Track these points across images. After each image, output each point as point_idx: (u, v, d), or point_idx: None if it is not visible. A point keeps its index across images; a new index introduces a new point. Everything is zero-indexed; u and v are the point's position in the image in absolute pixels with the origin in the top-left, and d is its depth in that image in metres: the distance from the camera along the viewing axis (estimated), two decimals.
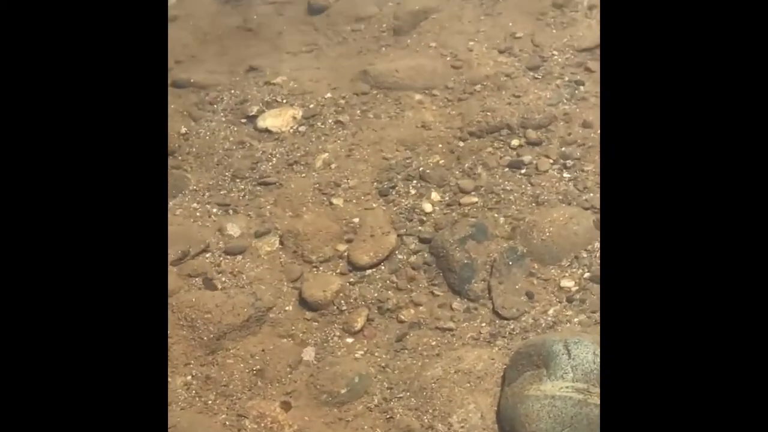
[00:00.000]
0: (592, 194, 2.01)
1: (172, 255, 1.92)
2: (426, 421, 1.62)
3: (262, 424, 1.63)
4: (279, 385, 1.71)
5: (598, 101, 2.22)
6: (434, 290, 1.87)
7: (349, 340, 1.80)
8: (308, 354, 1.74)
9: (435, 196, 2.06)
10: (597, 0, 2.51)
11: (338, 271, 1.92)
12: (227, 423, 1.63)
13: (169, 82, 2.40)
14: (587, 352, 1.61)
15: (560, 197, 2.02)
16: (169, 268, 1.89)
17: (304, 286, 1.88)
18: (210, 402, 1.69)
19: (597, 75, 2.33)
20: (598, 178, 2.02)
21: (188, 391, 1.70)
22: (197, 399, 1.70)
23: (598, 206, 1.96)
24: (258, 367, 1.74)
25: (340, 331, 1.81)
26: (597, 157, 2.08)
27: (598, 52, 2.35)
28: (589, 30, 2.48)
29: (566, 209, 1.99)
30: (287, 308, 1.86)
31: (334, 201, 2.06)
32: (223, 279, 1.92)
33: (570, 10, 2.57)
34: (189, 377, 1.73)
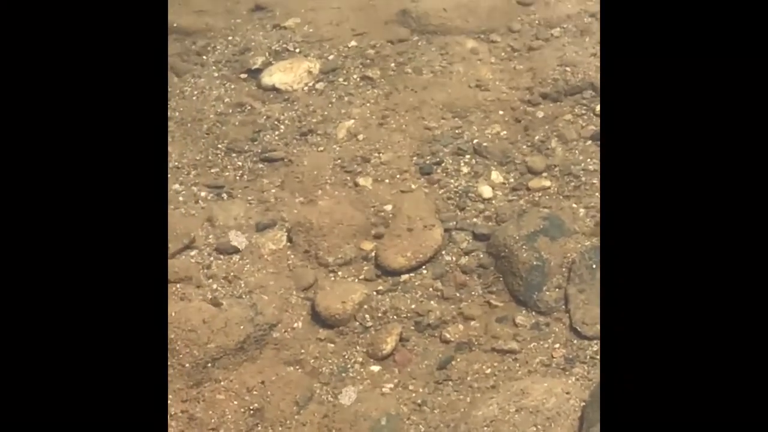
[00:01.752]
0: None
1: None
2: None
3: None
4: (283, 430, 1.69)
5: None
6: (491, 300, 1.86)
7: (376, 367, 1.78)
8: (347, 396, 1.73)
9: (495, 176, 2.05)
10: None
11: (363, 276, 1.92)
12: None
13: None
14: None
15: None
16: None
17: (319, 296, 1.88)
18: None
19: None
20: None
21: None
22: None
23: None
24: (256, 405, 1.73)
25: (364, 356, 1.80)
26: None
27: None
28: None
29: None
30: (296, 325, 1.85)
31: (361, 182, 2.06)
32: (214, 286, 1.91)
33: None
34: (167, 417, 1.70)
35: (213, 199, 2.05)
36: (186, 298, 1.90)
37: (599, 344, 1.47)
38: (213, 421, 1.71)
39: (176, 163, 2.11)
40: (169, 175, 2.06)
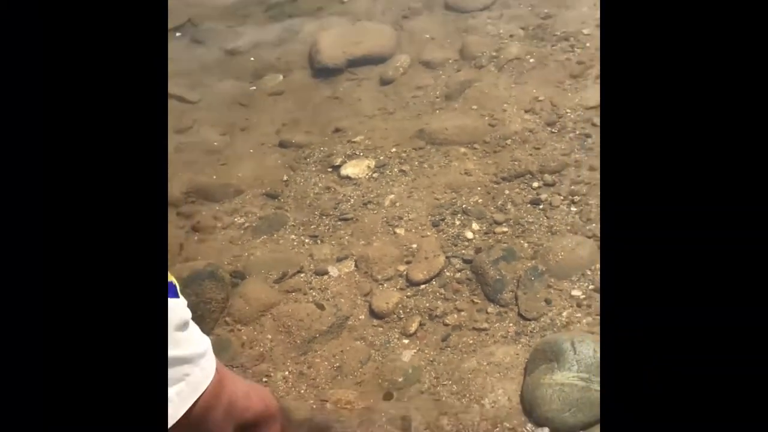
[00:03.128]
0: (594, 225, 2.00)
1: (275, 275, 2.00)
2: (464, 402, 1.64)
3: (339, 405, 1.66)
4: (352, 377, 1.74)
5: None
6: (474, 299, 1.88)
7: (406, 341, 1.81)
8: (390, 357, 1.74)
9: (475, 226, 2.07)
10: None
11: (398, 287, 1.94)
12: (314, 406, 1.67)
13: (277, 142, 2.47)
14: (589, 349, 1.62)
15: (568, 227, 2.03)
16: (273, 285, 1.98)
17: (373, 299, 1.91)
18: (302, 391, 1.72)
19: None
20: (598, 212, 2.03)
21: (286, 383, 1.74)
22: (293, 389, 1.73)
23: (599, 234, 1.97)
24: (338, 364, 1.78)
25: (399, 334, 1.83)
26: (598, 190, 2.07)
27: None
28: (595, 92, 2.44)
29: (573, 237, 1.99)
30: (360, 317, 1.88)
31: (397, 231, 2.09)
32: (313, 294, 1.96)
33: (583, 79, 2.54)
34: (287, 373, 1.77)
35: (312, 243, 2.08)
36: (297, 301, 1.94)
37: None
38: (313, 374, 1.75)
39: (292, 223, 2.16)
40: (288, 230, 2.14)
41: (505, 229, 2.05)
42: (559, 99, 2.46)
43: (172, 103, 2.71)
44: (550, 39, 2.72)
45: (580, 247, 1.95)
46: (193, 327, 0.75)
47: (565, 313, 1.81)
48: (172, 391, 0.69)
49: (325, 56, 2.77)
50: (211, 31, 3.08)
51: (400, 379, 1.72)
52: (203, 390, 0.73)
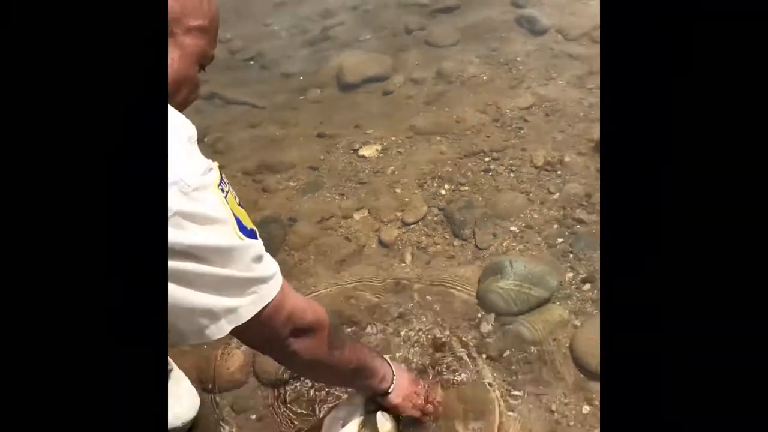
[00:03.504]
0: (525, 185, 1.93)
1: (316, 219, 1.96)
2: (441, 299, 1.59)
3: (360, 301, 1.61)
4: (369, 285, 1.68)
5: (530, 138, 2.16)
6: (445, 236, 1.82)
7: (403, 264, 1.75)
8: (394, 270, 1.63)
9: (447, 186, 2.00)
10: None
11: (397, 226, 1.88)
12: (342, 301, 1.63)
13: (316, 134, 2.38)
14: (521, 265, 1.59)
15: (509, 187, 1.97)
16: (315, 226, 1.94)
17: (381, 234, 1.86)
18: (335, 295, 1.65)
19: (531, 122, 2.26)
20: (529, 175, 1.99)
21: (325, 289, 1.67)
22: (328, 293, 1.66)
23: (529, 191, 1.94)
24: (358, 276, 1.72)
25: (399, 260, 1.77)
26: (529, 164, 2.02)
27: (533, 108, 2.31)
28: (527, 98, 2.35)
29: (512, 193, 1.94)
30: (372, 246, 1.82)
31: (396, 190, 2.02)
32: (341, 230, 1.90)
33: (518, 89, 2.43)
34: (325, 283, 1.70)
35: (340, 199, 2.01)
36: (331, 236, 1.87)
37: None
38: (341, 283, 1.69)
39: (327, 186, 2.07)
40: (324, 191, 2.07)
41: (467, 188, 1.99)
42: (503, 103, 2.39)
43: (246, 108, 2.66)
44: (496, 63, 2.63)
45: (517, 200, 1.90)
46: (267, 257, 0.72)
47: (504, 244, 1.77)
48: (248, 299, 0.66)
49: (348, 76, 2.68)
50: (273, 60, 2.97)
51: (400, 286, 1.68)
52: (271, 299, 0.70)
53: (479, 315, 1.48)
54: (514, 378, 1.29)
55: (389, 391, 1.04)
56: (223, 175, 0.63)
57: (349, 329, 1.45)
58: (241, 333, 0.70)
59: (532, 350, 1.34)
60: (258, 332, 0.72)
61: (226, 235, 0.60)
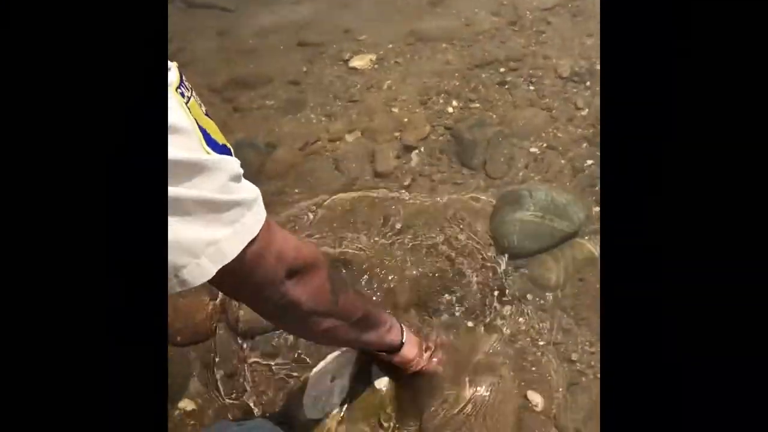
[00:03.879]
0: (548, 99, 1.75)
1: (298, 144, 1.80)
2: (451, 228, 1.47)
3: (353, 246, 1.52)
4: (361, 219, 1.54)
5: (554, 44, 1.97)
6: (452, 162, 1.67)
7: (403, 191, 1.61)
8: (394, 192, 1.51)
9: (454, 103, 1.83)
10: None
11: (395, 152, 1.72)
12: (333, 247, 1.52)
13: (297, 41, 2.20)
14: (542, 195, 1.45)
15: (528, 102, 1.79)
16: (298, 152, 1.80)
17: (375, 161, 1.70)
18: (323, 232, 1.54)
19: (554, 24, 2.06)
20: (553, 88, 1.81)
21: (310, 225, 1.55)
22: (315, 230, 1.54)
23: (552, 107, 1.77)
24: (348, 208, 1.58)
25: (398, 186, 1.63)
26: (552, 74, 1.84)
27: (557, 7, 2.11)
28: None
29: (531, 110, 1.76)
30: (366, 177, 1.67)
31: (394, 110, 1.85)
32: (328, 158, 1.75)
33: None
34: (311, 215, 1.58)
35: (327, 120, 1.84)
36: (316, 161, 1.72)
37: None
38: (329, 218, 1.57)
39: (311, 105, 1.91)
40: (308, 110, 1.89)
41: (478, 105, 1.81)
42: (520, 2, 2.15)
43: (213, 13, 2.43)
44: None
45: (537, 117, 1.72)
46: (246, 181, 0.62)
47: (521, 174, 1.61)
48: (229, 231, 0.57)
49: None
50: None
51: (399, 226, 1.53)
52: (256, 233, 0.60)
53: (492, 253, 1.37)
54: (530, 325, 1.21)
55: (403, 341, 0.96)
56: (184, 78, 0.54)
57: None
58: (226, 282, 0.61)
59: (553, 293, 1.26)
60: (246, 278, 0.63)
61: (190, 148, 0.52)
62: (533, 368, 1.15)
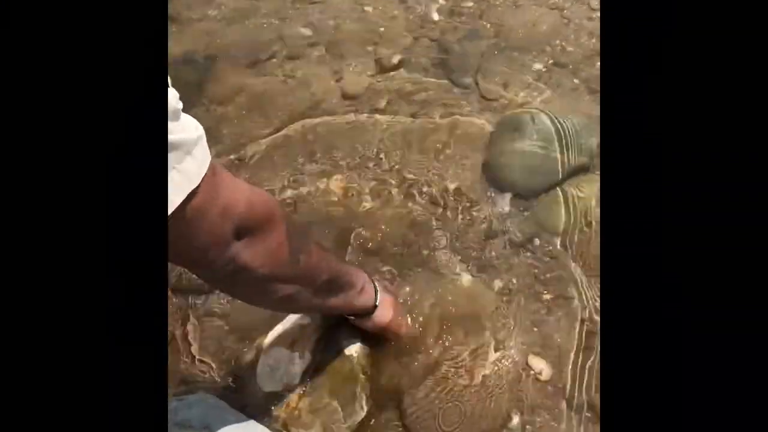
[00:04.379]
0: None
1: (247, 60, 1.60)
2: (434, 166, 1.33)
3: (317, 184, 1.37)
4: (328, 155, 1.41)
5: None
6: (439, 79, 1.51)
7: (378, 115, 1.45)
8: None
9: (441, 1, 1.66)
10: None
11: (368, 69, 1.56)
12: (292, 179, 1.38)
13: None
14: (546, 121, 1.33)
15: (533, 1, 1.60)
16: (247, 70, 1.63)
17: (344, 80, 1.54)
18: (277, 165, 1.39)
19: None
20: None
21: (260, 159, 1.41)
22: (267, 163, 1.39)
23: (563, 6, 1.61)
24: (311, 137, 1.44)
25: (371, 111, 1.47)
26: None
27: None
28: None
29: (536, 11, 1.58)
30: (333, 100, 1.51)
31: (367, 9, 1.66)
32: (285, 77, 1.58)
33: None
34: (263, 147, 1.43)
35: (280, 23, 1.67)
36: (270, 83, 1.56)
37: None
38: (286, 151, 1.43)
39: (264, 12, 1.72)
40: (260, 19, 1.72)
41: (471, 4, 1.64)
42: None
43: None
44: None
45: (544, 21, 1.56)
46: (186, 117, 0.58)
47: (521, 94, 1.46)
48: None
49: None
50: None
51: (373, 148, 1.37)
52: (198, 182, 0.56)
53: (489, 191, 1.27)
54: (533, 277, 1.13)
55: (376, 304, 0.92)
56: None
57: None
58: None
59: (561, 238, 1.17)
60: (186, 238, 0.59)
61: None
62: (536, 329, 1.06)
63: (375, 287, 0.92)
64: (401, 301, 1.05)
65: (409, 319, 1.04)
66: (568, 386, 1.00)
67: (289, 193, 1.32)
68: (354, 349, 1.01)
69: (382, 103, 1.48)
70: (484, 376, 1.00)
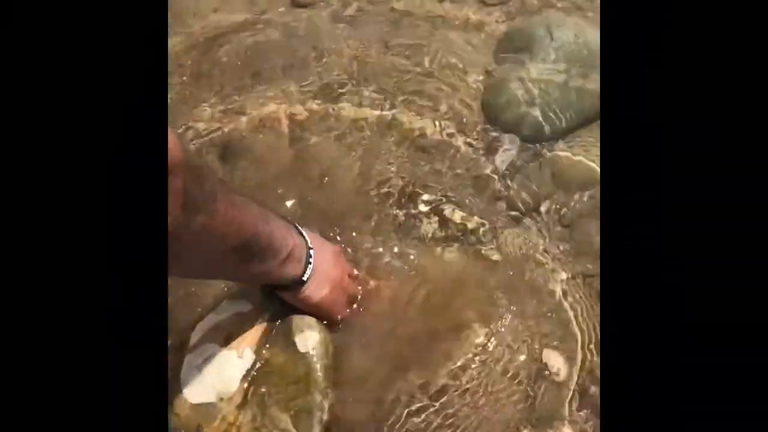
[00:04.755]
0: None
1: None
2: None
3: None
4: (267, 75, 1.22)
5: None
6: None
7: (342, 25, 1.25)
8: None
9: None
10: None
11: None
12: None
13: None
14: (569, 34, 1.13)
15: None
16: None
17: None
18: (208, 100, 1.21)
19: None
20: None
21: (183, 89, 1.23)
22: (191, 96, 1.22)
23: None
24: (251, 53, 1.25)
25: (330, 19, 1.27)
26: None
27: None
28: None
29: None
30: (280, 9, 1.31)
31: None
32: None
33: None
34: (184, 78, 1.24)
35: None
36: None
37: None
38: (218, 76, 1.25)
39: None
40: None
41: None
42: None
43: None
44: None
45: None
46: None
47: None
48: None
49: None
50: None
51: (329, 66, 1.19)
52: None
53: (490, 130, 1.09)
54: (545, 247, 0.98)
55: (304, 278, 0.85)
56: None
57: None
58: None
59: (580, 198, 1.03)
60: None
61: None
62: (550, 314, 0.92)
63: (308, 251, 0.85)
64: (360, 274, 0.95)
65: (382, 299, 0.93)
66: (591, 388, 0.88)
67: (215, 126, 1.14)
68: (311, 344, 0.88)
69: (349, 10, 1.29)
70: (482, 378, 0.88)
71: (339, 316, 0.93)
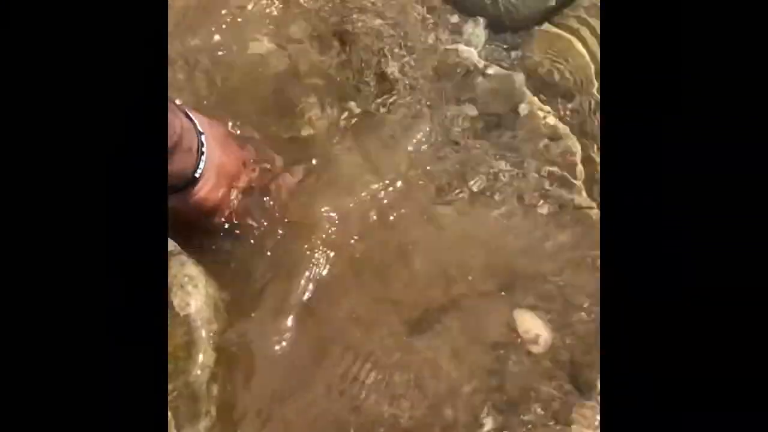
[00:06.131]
0: None
1: None
2: None
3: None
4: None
5: None
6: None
7: None
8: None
9: None
10: None
11: None
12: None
13: None
14: None
15: None
16: None
17: None
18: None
19: None
20: None
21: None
22: None
23: None
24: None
25: None
26: None
27: None
28: None
29: None
30: None
31: None
32: None
33: None
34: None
35: None
36: None
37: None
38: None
39: None
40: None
41: None
42: None
43: None
44: None
45: None
46: None
47: None
48: None
49: None
50: None
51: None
52: None
53: (456, 16, 0.96)
54: (516, 160, 0.85)
55: (196, 175, 0.71)
56: None
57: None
58: None
59: (564, 98, 0.90)
60: None
61: None
62: (530, 269, 0.77)
63: (201, 142, 0.71)
64: (258, 163, 0.78)
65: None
66: (581, 363, 0.72)
67: None
68: (194, 304, 0.73)
69: None
70: (435, 348, 0.72)
71: (225, 222, 0.77)
